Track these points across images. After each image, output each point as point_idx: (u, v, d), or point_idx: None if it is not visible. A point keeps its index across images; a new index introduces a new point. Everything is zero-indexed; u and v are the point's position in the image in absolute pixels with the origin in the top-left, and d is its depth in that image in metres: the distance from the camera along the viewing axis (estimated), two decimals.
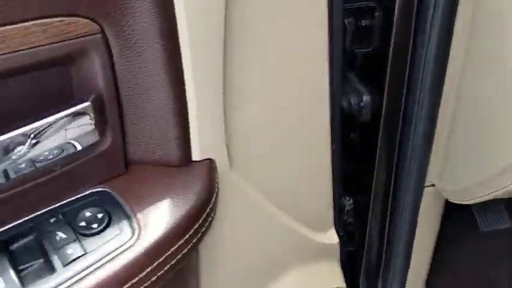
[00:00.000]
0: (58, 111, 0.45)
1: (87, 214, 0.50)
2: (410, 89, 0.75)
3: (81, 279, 0.45)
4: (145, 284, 0.48)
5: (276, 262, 0.75)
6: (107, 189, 0.53)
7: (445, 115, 0.77)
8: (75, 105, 0.45)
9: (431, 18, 0.65)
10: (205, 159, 0.56)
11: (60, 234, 0.48)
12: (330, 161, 0.72)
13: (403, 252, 1.01)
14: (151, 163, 0.55)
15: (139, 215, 0.50)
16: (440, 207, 0.96)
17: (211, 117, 0.53)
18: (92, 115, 0.46)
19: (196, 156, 0.55)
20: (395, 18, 0.69)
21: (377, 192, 0.92)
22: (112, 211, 0.50)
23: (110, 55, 0.46)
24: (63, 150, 0.50)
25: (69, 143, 0.48)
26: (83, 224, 0.49)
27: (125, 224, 0.49)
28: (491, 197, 0.79)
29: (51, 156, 0.49)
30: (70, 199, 0.52)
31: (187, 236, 0.51)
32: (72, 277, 0.45)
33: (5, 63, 0.41)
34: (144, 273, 0.48)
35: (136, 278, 0.47)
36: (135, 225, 0.49)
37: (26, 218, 0.50)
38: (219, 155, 0.57)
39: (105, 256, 0.46)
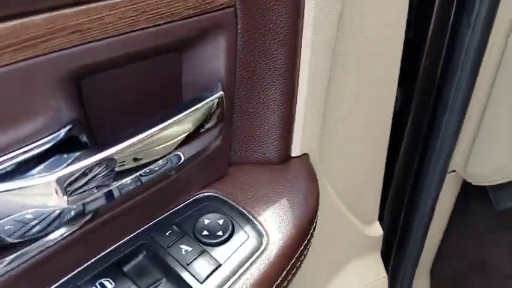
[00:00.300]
0: (184, 107, 0.39)
1: (206, 221, 0.44)
2: (448, 76, 0.78)
3: None
4: None
5: (337, 256, 0.74)
6: (215, 194, 0.48)
7: (478, 104, 0.81)
8: (205, 98, 0.40)
9: (479, 2, 0.68)
10: (303, 155, 0.53)
11: (184, 247, 0.42)
12: (386, 154, 0.72)
13: (419, 237, 1.04)
14: (249, 162, 0.51)
15: (260, 218, 0.46)
16: (455, 194, 1.00)
17: (315, 111, 0.50)
18: (221, 108, 0.41)
19: (295, 152, 0.52)
20: (436, 4, 0.71)
21: (398, 180, 0.93)
22: (231, 216, 0.45)
23: (236, 35, 0.41)
24: (166, 161, 0.43)
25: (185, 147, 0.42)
26: (206, 232, 0.43)
27: (249, 228, 0.45)
28: None
29: (156, 168, 0.42)
30: (177, 208, 0.46)
31: (309, 236, 0.48)
32: None
33: (140, 42, 0.35)
34: (280, 278, 0.44)
35: (274, 285, 0.43)
36: (261, 229, 0.45)
37: (133, 235, 0.43)
38: (314, 150, 0.54)
39: (242, 265, 0.42)
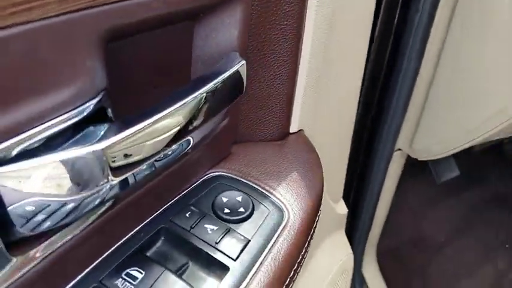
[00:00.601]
0: (206, 79, 0.37)
1: (225, 200, 0.43)
2: (397, 59, 0.84)
3: (258, 268, 0.38)
4: (302, 262, 0.44)
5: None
6: (225, 172, 0.46)
7: (421, 87, 0.88)
8: (225, 68, 0.38)
9: None
10: (299, 130, 0.53)
11: (209, 227, 0.40)
12: (352, 132, 0.75)
13: (369, 214, 1.10)
14: (251, 140, 0.50)
15: (276, 193, 0.45)
16: (399, 171, 1.08)
17: (313, 87, 0.51)
18: (242, 78, 0.40)
19: (293, 128, 0.52)
20: None
21: (350, 158, 0.98)
22: (247, 192, 0.44)
23: (251, 4, 0.40)
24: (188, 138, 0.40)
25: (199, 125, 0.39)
26: (227, 210, 0.42)
27: (268, 203, 0.44)
28: (452, 152, 0.94)
29: (170, 152, 0.39)
30: (188, 189, 0.44)
31: (320, 206, 0.48)
32: (250, 269, 0.38)
33: (172, 3, 0.32)
34: (304, 249, 0.43)
35: (300, 256, 0.43)
36: (279, 204, 0.44)
37: (150, 220, 0.40)
38: (308, 125, 0.55)
39: (270, 239, 0.41)
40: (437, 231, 1.30)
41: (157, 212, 0.41)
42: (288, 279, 0.40)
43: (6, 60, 0.24)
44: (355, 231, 1.13)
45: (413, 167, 1.07)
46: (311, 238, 0.46)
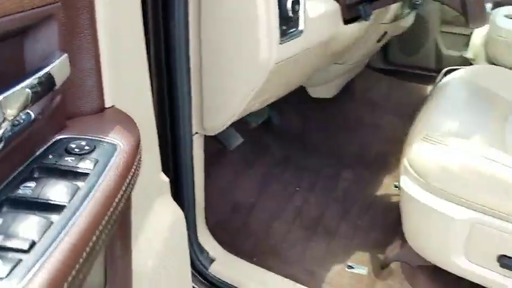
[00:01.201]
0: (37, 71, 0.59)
1: (73, 145, 0.65)
2: (171, 49, 1.15)
3: (108, 171, 0.63)
4: (136, 174, 0.69)
5: (144, 197, 0.98)
6: (67, 135, 0.68)
7: (197, 77, 1.23)
8: (51, 62, 0.62)
9: None
10: (112, 106, 0.79)
11: (69, 158, 0.62)
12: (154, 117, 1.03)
13: (190, 190, 1.39)
14: (77, 116, 0.73)
15: (108, 138, 0.69)
16: (202, 150, 1.41)
17: (114, 70, 0.77)
18: (66, 67, 0.63)
19: (107, 104, 0.77)
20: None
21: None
22: (88, 139, 0.67)
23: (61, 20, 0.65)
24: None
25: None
26: (77, 150, 0.64)
27: (105, 143, 0.67)
28: (228, 124, 1.31)
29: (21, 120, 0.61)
30: (43, 148, 0.64)
31: (140, 142, 0.74)
32: (102, 173, 0.62)
33: (8, 24, 0.55)
34: (135, 164, 0.69)
35: (133, 168, 0.68)
36: (113, 141, 0.68)
37: (23, 167, 0.60)
38: (117, 102, 0.80)
39: (111, 158, 0.65)
40: (247, 193, 1.68)
41: (26, 163, 0.61)
42: (130, 176, 0.65)
43: None
44: (183, 207, 1.40)
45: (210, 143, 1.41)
46: (139, 162, 0.71)
